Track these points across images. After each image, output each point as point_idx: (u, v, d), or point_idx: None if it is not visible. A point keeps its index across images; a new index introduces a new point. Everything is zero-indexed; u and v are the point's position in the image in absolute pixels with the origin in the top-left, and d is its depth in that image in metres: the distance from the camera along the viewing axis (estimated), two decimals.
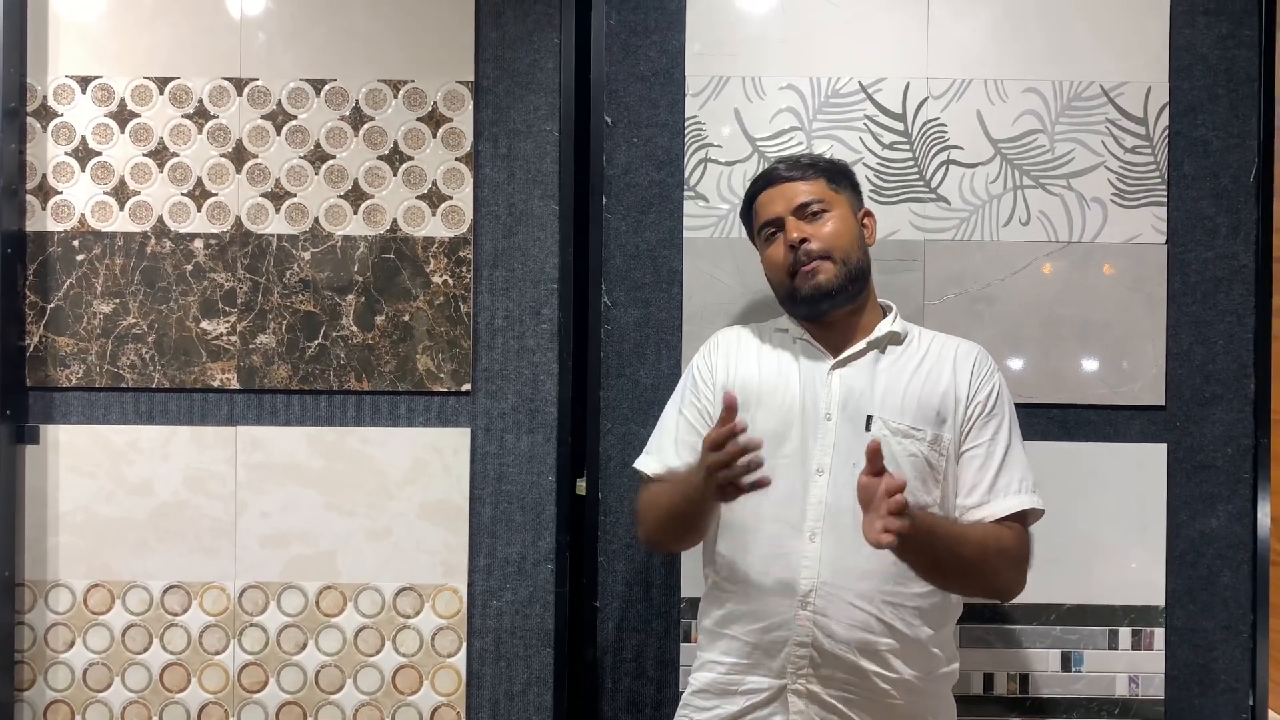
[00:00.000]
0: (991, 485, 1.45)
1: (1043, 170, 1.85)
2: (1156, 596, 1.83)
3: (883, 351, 1.52)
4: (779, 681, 1.44)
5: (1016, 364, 1.84)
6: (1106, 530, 1.83)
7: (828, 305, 1.50)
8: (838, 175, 1.56)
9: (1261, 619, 1.82)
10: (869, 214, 1.60)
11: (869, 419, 1.46)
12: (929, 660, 1.46)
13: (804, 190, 1.52)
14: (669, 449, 1.54)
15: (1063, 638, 1.82)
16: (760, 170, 1.63)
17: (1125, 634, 1.83)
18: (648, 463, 1.56)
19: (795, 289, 1.51)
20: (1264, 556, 1.82)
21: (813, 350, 1.54)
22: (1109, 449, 1.84)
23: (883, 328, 1.53)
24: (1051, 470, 1.81)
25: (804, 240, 1.49)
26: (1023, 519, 1.46)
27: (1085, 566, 1.83)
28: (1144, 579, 1.83)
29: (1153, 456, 1.84)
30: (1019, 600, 1.79)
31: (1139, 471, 1.83)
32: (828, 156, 1.62)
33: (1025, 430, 1.79)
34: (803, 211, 1.51)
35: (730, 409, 1.25)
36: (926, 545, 1.32)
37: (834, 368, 1.51)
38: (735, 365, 1.56)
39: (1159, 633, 1.83)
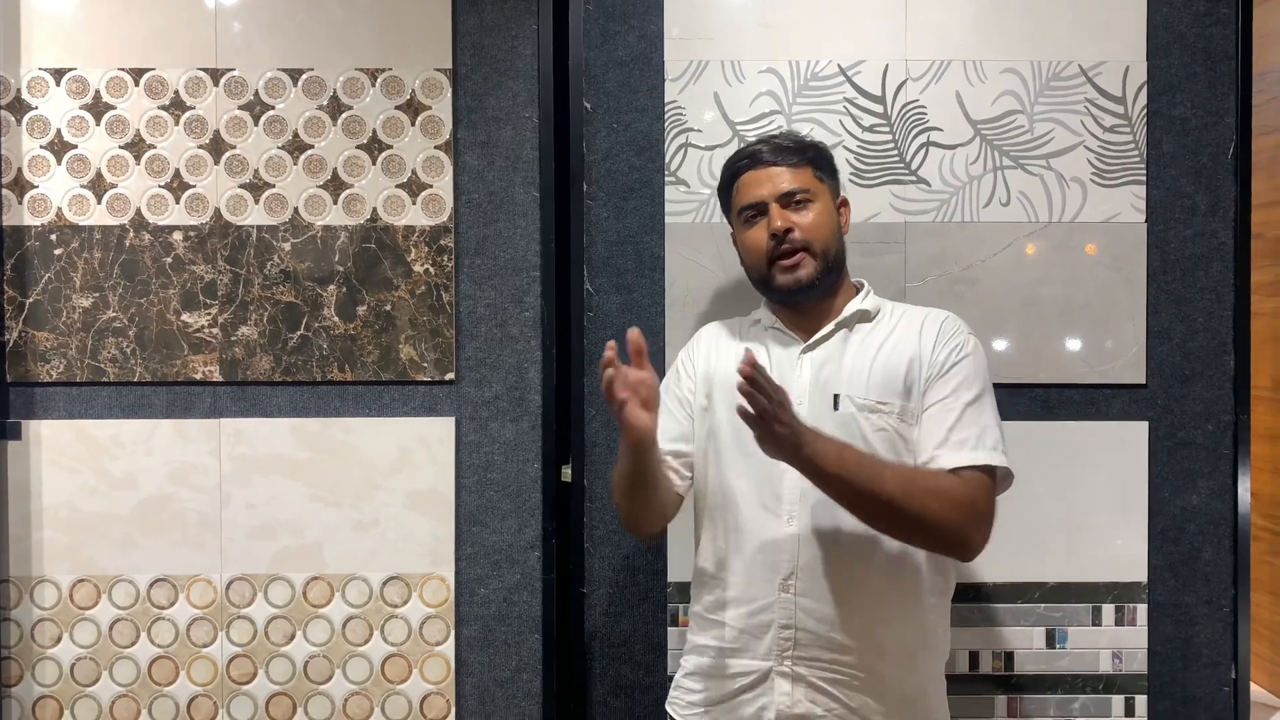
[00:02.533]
0: (944, 440, 1.40)
1: (1022, 151, 1.85)
2: (1139, 573, 1.85)
3: (851, 330, 1.52)
4: (765, 664, 1.45)
5: (998, 344, 1.85)
6: (1089, 508, 1.84)
7: (803, 297, 1.51)
8: (822, 162, 1.55)
9: (1243, 593, 1.84)
10: (845, 202, 1.58)
11: (835, 398, 1.46)
12: (913, 638, 1.46)
13: (790, 178, 1.50)
14: None
15: (1047, 615, 1.84)
16: (743, 147, 1.58)
17: (1108, 610, 1.84)
18: None
19: (771, 278, 1.50)
20: (1244, 531, 1.84)
21: (783, 337, 1.54)
22: (1091, 428, 1.85)
23: (851, 307, 1.53)
24: (1034, 449, 1.82)
25: (788, 230, 1.48)
26: (987, 476, 1.40)
27: (1068, 544, 1.84)
28: (1126, 556, 1.84)
29: (1134, 434, 1.85)
30: (1002, 578, 1.82)
31: (1121, 449, 1.84)
32: (809, 138, 1.59)
33: (1008, 410, 1.79)
34: (788, 200, 1.49)
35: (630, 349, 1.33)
36: (834, 465, 1.31)
37: (803, 352, 1.51)
38: (715, 358, 1.57)
39: (1141, 609, 1.84)
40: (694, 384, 1.57)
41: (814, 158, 1.53)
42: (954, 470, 1.38)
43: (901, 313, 1.55)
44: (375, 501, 1.86)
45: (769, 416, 1.28)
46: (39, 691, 1.85)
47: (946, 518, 1.35)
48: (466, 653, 1.87)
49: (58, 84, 1.84)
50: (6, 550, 1.85)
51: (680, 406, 1.56)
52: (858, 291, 1.57)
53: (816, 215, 1.49)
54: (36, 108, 1.84)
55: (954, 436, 1.40)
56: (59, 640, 1.85)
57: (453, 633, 1.86)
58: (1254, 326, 1.85)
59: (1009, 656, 1.84)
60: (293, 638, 1.86)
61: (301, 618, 1.86)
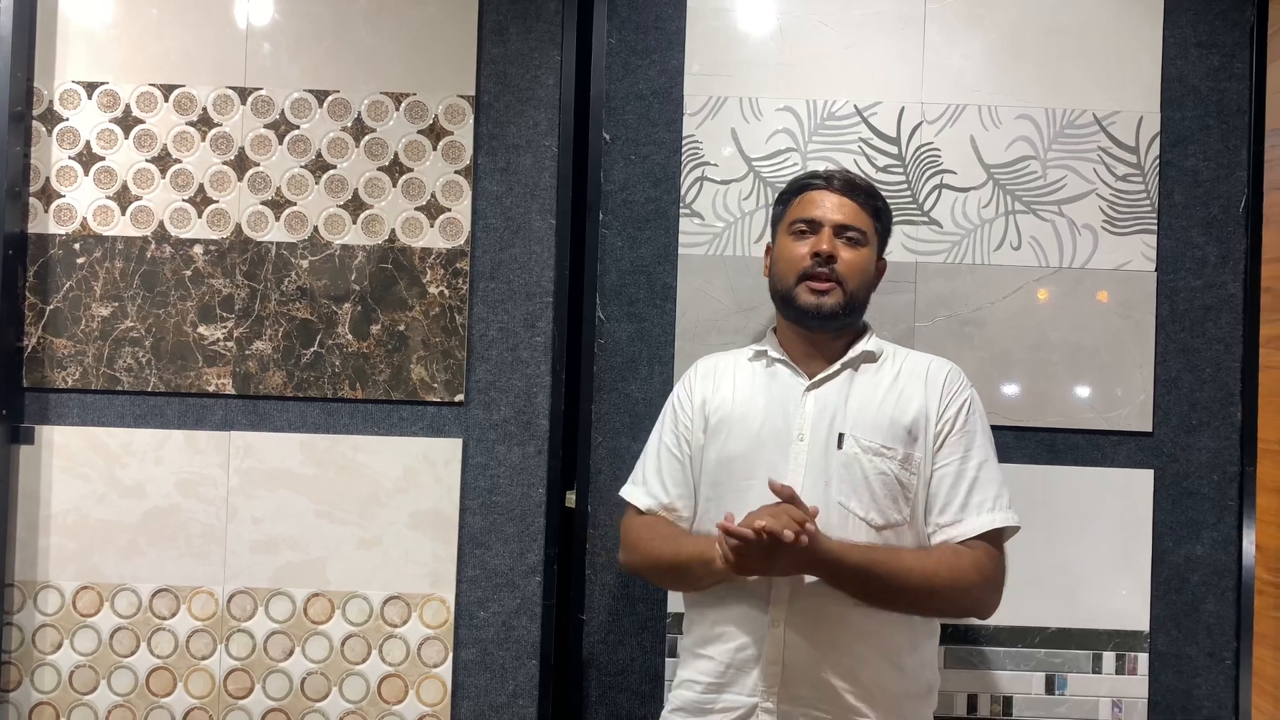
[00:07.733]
0: (964, 503, 1.46)
1: (1034, 196, 1.87)
2: (1141, 621, 1.84)
3: (856, 370, 1.54)
4: (751, 700, 1.45)
5: (1005, 387, 1.86)
6: (1092, 554, 1.84)
7: (818, 324, 1.53)
8: (885, 216, 1.60)
9: (1245, 646, 1.83)
10: (884, 260, 1.63)
11: (840, 437, 1.48)
12: (902, 679, 1.46)
13: (853, 213, 1.54)
14: (654, 479, 1.58)
15: (1046, 661, 1.83)
16: (820, 169, 1.67)
17: (1109, 658, 1.83)
18: (635, 494, 1.60)
19: (796, 295, 1.52)
20: (1248, 584, 1.83)
21: (788, 372, 1.55)
22: (1096, 474, 1.85)
23: (857, 348, 1.55)
24: (1038, 494, 1.82)
25: (832, 257, 1.50)
26: (998, 536, 1.48)
27: (1070, 590, 1.83)
28: (1128, 604, 1.84)
29: (1139, 482, 1.85)
30: (1003, 622, 1.81)
31: (1125, 497, 1.84)
32: (880, 189, 1.63)
33: (1013, 454, 1.82)
34: (842, 231, 1.53)
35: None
36: (848, 577, 1.39)
37: (808, 389, 1.53)
38: (713, 390, 1.58)
39: (1143, 658, 1.83)
40: (690, 420, 1.58)
41: (879, 209, 1.58)
42: (977, 538, 1.45)
43: (904, 357, 1.57)
44: (379, 520, 1.86)
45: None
46: (36, 698, 1.85)
47: (966, 598, 1.45)
48: (463, 675, 1.87)
49: (89, 97, 1.88)
50: (13, 554, 1.86)
51: (680, 444, 1.58)
52: (863, 332, 1.59)
53: (860, 258, 1.53)
54: (67, 119, 1.88)
55: (973, 500, 1.47)
56: (59, 647, 1.86)
57: (451, 655, 1.86)
58: (1262, 380, 1.85)
59: (1007, 701, 1.83)
60: (291, 654, 1.86)
61: (301, 634, 1.86)
